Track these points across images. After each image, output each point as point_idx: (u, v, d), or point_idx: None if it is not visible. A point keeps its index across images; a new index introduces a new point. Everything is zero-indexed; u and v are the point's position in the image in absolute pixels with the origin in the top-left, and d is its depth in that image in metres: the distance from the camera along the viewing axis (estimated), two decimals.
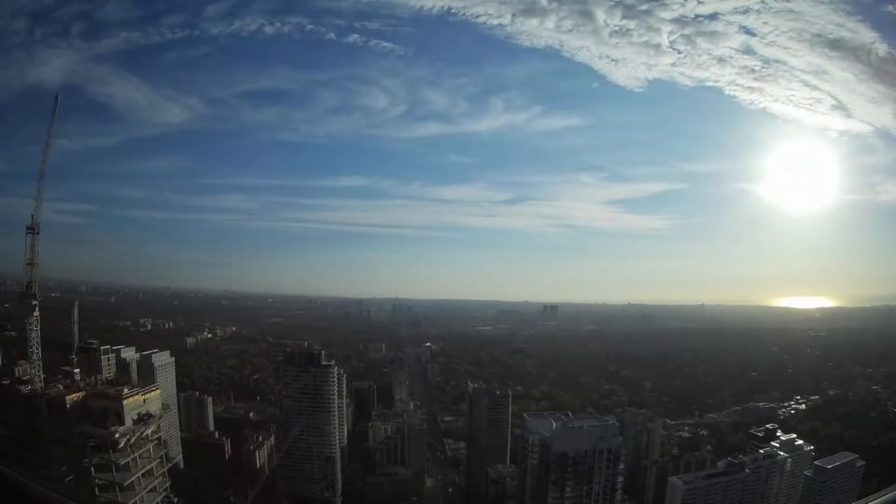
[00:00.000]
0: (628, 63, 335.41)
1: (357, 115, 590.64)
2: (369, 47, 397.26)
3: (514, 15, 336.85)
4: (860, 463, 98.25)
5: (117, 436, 66.96)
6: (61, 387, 74.00)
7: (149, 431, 72.23)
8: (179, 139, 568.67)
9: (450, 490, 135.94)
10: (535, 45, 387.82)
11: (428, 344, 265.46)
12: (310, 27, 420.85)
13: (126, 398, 69.95)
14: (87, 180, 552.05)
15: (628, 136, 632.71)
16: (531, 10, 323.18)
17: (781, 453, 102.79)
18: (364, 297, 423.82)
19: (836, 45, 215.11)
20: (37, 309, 76.70)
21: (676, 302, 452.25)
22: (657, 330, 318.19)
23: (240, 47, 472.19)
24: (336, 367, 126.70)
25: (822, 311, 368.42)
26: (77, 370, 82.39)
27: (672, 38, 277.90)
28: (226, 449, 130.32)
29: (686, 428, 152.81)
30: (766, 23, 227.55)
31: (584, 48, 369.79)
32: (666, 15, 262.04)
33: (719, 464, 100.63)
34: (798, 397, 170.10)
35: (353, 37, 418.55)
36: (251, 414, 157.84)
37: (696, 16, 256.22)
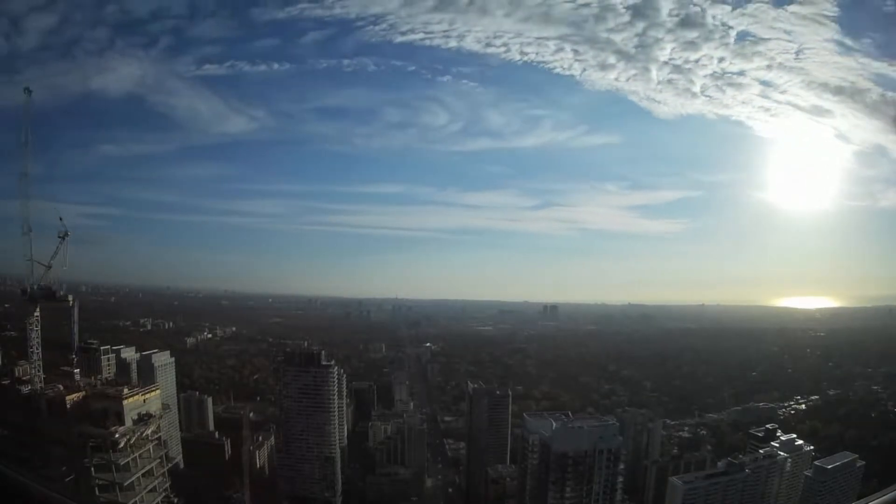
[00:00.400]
0: (668, 103, 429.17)
1: (413, 130, 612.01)
2: (441, 80, 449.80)
3: (584, 69, 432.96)
4: (860, 463, 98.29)
5: (117, 436, 66.88)
6: (61, 387, 73.71)
7: (149, 431, 72.17)
8: (231, 148, 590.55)
9: (450, 490, 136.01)
10: (597, 88, 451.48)
11: (428, 344, 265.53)
12: (393, 63, 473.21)
13: (126, 398, 69.87)
14: (118, 184, 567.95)
15: (656, 152, 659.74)
16: (601, 66, 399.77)
17: (781, 453, 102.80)
18: (364, 298, 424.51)
19: (838, 91, 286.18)
20: (37, 309, 76.43)
21: (676, 302, 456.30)
22: (657, 330, 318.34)
23: (320, 71, 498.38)
24: (336, 367, 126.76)
25: (823, 311, 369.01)
26: (77, 370, 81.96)
27: (706, 88, 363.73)
28: (226, 449, 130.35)
29: (686, 428, 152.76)
30: (781, 76, 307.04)
31: (635, 92, 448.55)
32: (704, 72, 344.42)
33: (719, 464, 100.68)
34: (798, 397, 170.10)
35: (431, 72, 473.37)
36: (251, 414, 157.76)
37: (726, 72, 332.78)
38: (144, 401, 72.99)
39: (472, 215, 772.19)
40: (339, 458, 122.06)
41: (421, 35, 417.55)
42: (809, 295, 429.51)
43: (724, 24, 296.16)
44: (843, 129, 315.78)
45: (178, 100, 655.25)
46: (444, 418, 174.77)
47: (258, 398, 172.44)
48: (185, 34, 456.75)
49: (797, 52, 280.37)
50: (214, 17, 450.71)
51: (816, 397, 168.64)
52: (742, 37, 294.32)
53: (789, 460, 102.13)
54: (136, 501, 68.13)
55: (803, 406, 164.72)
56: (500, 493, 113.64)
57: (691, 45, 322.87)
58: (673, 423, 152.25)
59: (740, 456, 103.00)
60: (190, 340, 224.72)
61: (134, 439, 69.27)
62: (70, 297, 79.14)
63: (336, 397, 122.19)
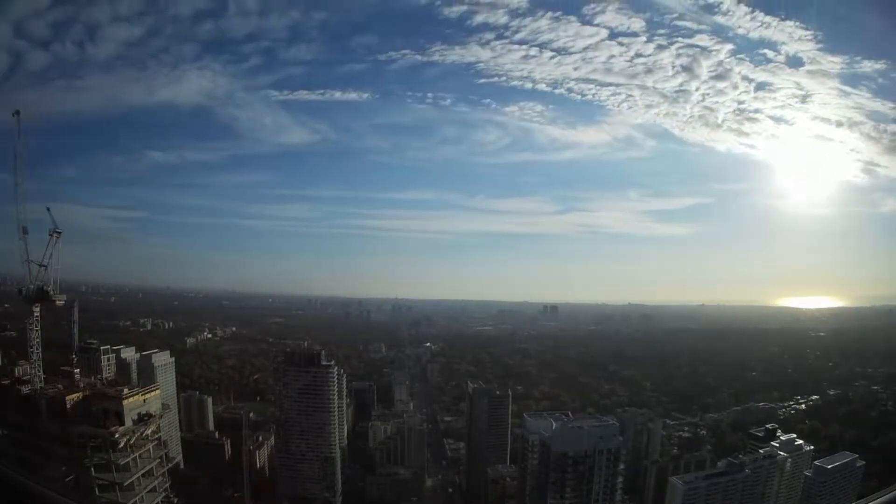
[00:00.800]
0: (697, 133, 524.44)
1: (465, 145, 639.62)
2: (507, 110, 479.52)
3: (630, 107, 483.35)
4: (860, 463, 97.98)
5: (117, 436, 66.89)
6: (61, 387, 73.66)
7: (149, 431, 72.13)
8: (278, 156, 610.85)
9: (450, 490, 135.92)
10: (638, 121, 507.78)
11: (428, 344, 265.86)
12: (470, 97, 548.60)
13: (126, 398, 69.83)
14: (152, 189, 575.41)
15: (679, 166, 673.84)
16: (646, 106, 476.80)
17: (781, 453, 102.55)
18: (364, 298, 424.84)
19: (839, 125, 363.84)
20: (37, 309, 76.49)
21: (677, 302, 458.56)
22: (657, 330, 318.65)
23: (398, 96, 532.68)
24: (336, 367, 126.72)
25: (823, 311, 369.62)
26: (77, 370, 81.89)
27: (727, 120, 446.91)
28: (226, 449, 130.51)
29: (686, 428, 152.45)
30: (790, 113, 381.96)
31: (669, 123, 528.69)
32: (726, 110, 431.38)
33: (719, 464, 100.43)
34: (798, 397, 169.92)
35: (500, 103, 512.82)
36: (251, 414, 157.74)
37: (745, 110, 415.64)
38: (144, 401, 72.93)
39: (496, 220, 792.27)
40: (339, 459, 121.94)
41: (504, 78, 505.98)
42: (810, 295, 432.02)
43: (747, 78, 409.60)
44: (841, 153, 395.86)
45: (241, 111, 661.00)
46: (444, 418, 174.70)
47: (258, 398, 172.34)
48: (272, 54, 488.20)
49: (804, 98, 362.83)
50: (305, 41, 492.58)
51: (816, 397, 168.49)
52: (760, 87, 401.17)
53: (789, 460, 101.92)
54: (135, 501, 68.14)
55: (803, 406, 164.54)
56: (499, 493, 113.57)
57: (720, 92, 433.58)
58: (673, 423, 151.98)
59: (740, 456, 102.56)
60: (190, 340, 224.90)
61: (134, 439, 69.26)
62: (62, 297, 79.20)
63: (336, 397, 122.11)
